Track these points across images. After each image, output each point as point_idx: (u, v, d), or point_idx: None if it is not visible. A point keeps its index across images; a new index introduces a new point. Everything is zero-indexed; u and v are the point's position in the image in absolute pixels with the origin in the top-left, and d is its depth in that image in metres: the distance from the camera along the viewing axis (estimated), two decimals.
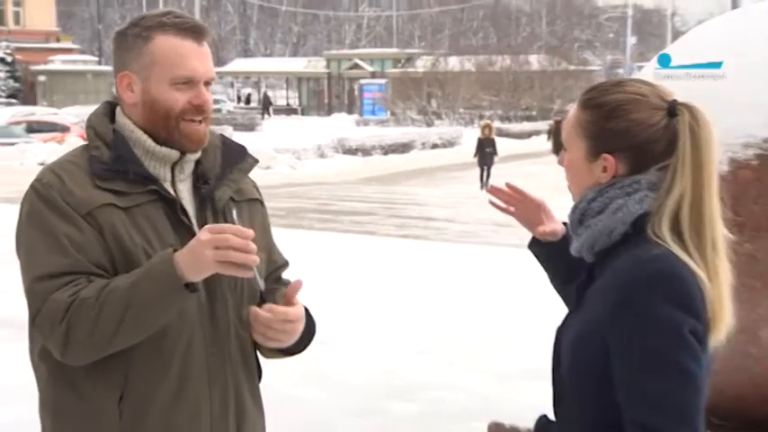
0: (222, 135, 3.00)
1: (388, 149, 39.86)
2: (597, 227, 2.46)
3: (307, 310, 2.86)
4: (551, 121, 39.76)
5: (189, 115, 2.77)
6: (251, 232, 2.58)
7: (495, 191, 3.11)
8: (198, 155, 2.86)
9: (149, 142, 2.79)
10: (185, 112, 2.76)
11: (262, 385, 3.03)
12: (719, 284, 2.36)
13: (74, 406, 2.74)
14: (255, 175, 3.07)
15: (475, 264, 14.35)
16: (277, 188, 25.63)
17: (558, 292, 2.99)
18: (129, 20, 2.88)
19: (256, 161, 3.01)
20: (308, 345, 2.95)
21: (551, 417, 2.61)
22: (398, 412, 7.53)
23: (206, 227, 2.60)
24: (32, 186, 2.77)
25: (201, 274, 2.60)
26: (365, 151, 38.85)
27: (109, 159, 2.76)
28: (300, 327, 2.81)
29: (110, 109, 2.89)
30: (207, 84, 2.81)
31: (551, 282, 3.03)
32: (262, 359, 3.02)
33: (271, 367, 3.08)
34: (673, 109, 2.43)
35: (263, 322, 2.74)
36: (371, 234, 19.02)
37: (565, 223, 2.90)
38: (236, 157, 2.95)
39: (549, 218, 3.02)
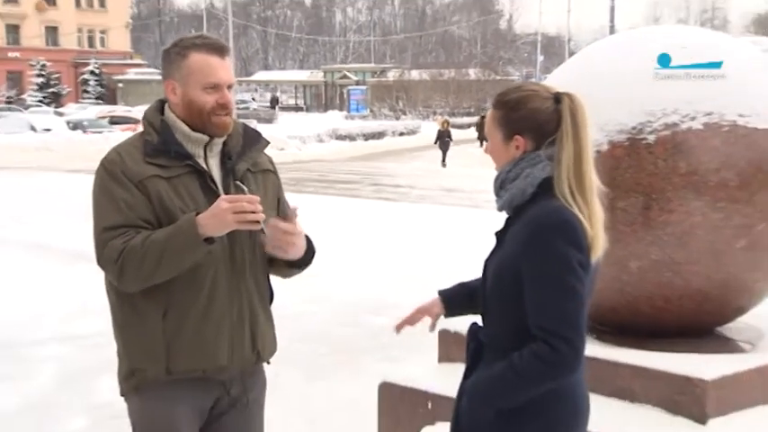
0: (244, 123, 2.98)
1: (368, 136, 39.77)
2: (513, 190, 2.47)
3: (307, 236, 2.87)
4: (478, 118, 39.91)
5: (217, 111, 2.76)
6: (258, 198, 2.63)
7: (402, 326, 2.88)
8: (224, 138, 2.84)
9: (186, 129, 2.78)
10: (214, 110, 2.75)
11: (274, 306, 3.03)
12: (596, 220, 2.39)
13: (133, 321, 2.77)
14: (273, 154, 3.06)
15: (430, 218, 14.39)
16: (288, 164, 25.49)
17: None
18: (172, 41, 2.86)
19: (268, 143, 2.99)
20: (311, 261, 2.93)
21: (480, 324, 2.64)
22: (377, 324, 7.54)
23: (223, 197, 2.62)
24: (101, 163, 2.79)
25: (223, 231, 2.64)
26: (351, 138, 38.77)
27: (156, 142, 2.76)
28: (301, 242, 2.80)
29: (160, 105, 2.87)
30: (229, 87, 2.80)
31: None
32: (276, 286, 3.03)
33: (282, 292, 3.09)
34: (558, 97, 2.46)
35: (274, 227, 2.72)
36: (356, 197, 18.96)
37: (442, 291, 2.83)
38: (253, 140, 2.92)
39: (433, 307, 2.85)
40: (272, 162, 3.05)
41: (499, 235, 2.56)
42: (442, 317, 2.86)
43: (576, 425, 2.50)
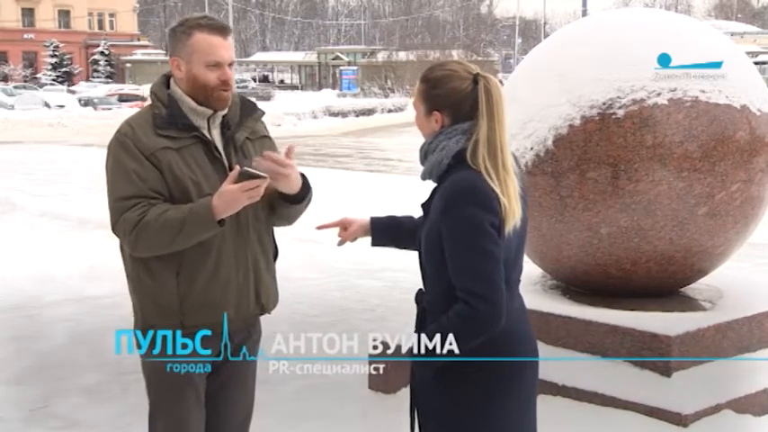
0: (241, 95, 2.96)
1: (359, 113, 39.59)
2: (432, 160, 2.47)
3: (303, 175, 2.83)
4: None
5: (219, 87, 2.74)
6: (268, 179, 2.62)
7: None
8: (225, 111, 2.83)
9: (192, 103, 2.77)
10: (216, 86, 2.74)
11: (276, 270, 3.03)
12: (509, 193, 2.35)
13: (147, 280, 2.77)
14: (270, 130, 3.04)
15: (417, 190, 14.31)
16: (285, 139, 25.19)
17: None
18: (178, 21, 2.83)
19: (263, 112, 2.97)
20: (309, 199, 2.90)
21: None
22: (367, 287, 7.55)
23: (238, 187, 2.59)
24: (115, 135, 2.77)
25: (236, 210, 2.65)
26: (344, 114, 38.59)
27: (165, 115, 2.75)
28: (295, 175, 2.76)
29: (166, 80, 2.85)
30: (230, 65, 2.77)
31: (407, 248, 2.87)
32: (282, 245, 3.02)
33: (283, 257, 3.07)
34: (475, 78, 2.43)
35: (268, 158, 2.70)
36: (348, 170, 18.89)
37: (374, 219, 2.86)
38: (250, 110, 2.92)
39: (355, 224, 2.88)
40: (266, 129, 3.03)
41: (425, 206, 2.54)
42: (369, 243, 2.88)
43: (513, 377, 2.46)
